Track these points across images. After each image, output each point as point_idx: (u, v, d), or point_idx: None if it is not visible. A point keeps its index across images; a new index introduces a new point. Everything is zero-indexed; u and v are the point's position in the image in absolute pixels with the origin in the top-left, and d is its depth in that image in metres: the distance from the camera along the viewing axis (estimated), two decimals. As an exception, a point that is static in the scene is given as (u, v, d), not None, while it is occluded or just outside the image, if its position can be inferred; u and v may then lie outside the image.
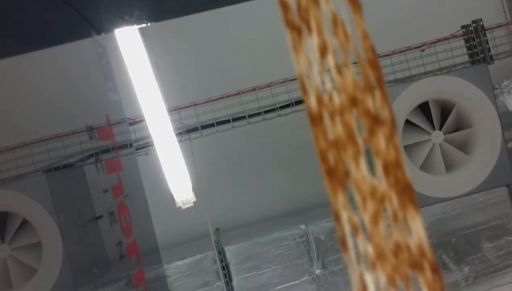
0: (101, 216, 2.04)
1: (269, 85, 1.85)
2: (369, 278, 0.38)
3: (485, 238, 2.36)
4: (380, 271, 0.38)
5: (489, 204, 2.35)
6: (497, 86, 2.12)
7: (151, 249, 2.44)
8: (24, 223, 1.93)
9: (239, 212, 2.67)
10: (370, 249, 0.39)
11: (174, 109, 1.80)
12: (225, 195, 2.65)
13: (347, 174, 0.40)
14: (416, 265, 0.38)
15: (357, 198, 0.40)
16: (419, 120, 2.06)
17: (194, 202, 1.79)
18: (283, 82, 1.85)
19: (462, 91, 2.02)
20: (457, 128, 2.12)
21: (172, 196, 1.78)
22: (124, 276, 2.15)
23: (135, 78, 1.50)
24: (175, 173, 1.75)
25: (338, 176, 0.40)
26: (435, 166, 2.11)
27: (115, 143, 1.89)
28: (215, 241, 2.26)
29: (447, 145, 2.08)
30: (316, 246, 2.33)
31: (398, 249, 0.38)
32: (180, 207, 1.80)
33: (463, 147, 2.13)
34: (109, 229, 2.08)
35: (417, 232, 0.38)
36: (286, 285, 2.33)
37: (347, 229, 0.40)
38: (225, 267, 2.30)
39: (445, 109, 2.11)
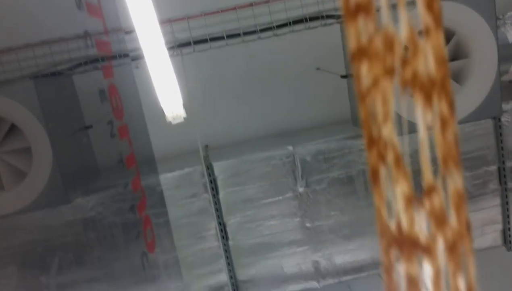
0: (91, 126, 2.04)
1: (267, 1, 1.76)
2: None
3: (465, 167, 2.45)
4: None
5: (474, 135, 2.40)
6: (501, 16, 2.06)
7: (147, 157, 2.48)
8: (14, 127, 1.93)
9: (229, 130, 2.70)
10: None
11: (166, 22, 1.72)
12: (216, 113, 2.66)
13: None
14: None
15: None
16: (416, 48, 2.02)
17: (184, 118, 1.78)
18: (282, -2, 1.76)
19: (464, 19, 1.96)
20: (453, 58, 2.09)
21: (162, 110, 1.77)
22: (120, 183, 2.21)
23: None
24: (166, 88, 1.72)
25: None
26: (426, 95, 2.12)
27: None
28: (203, 156, 2.31)
29: (441, 75, 2.07)
30: (302, 167, 2.40)
31: None
32: (170, 122, 1.80)
33: (457, 76, 2.12)
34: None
35: None
36: (270, 200, 2.44)
37: None
38: (213, 181, 2.38)
39: (444, 38, 2.06)
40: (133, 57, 1.82)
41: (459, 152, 0.37)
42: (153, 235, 2.24)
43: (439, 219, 0.38)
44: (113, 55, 1.82)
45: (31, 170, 1.89)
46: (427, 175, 0.38)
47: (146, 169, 2.30)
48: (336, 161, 2.42)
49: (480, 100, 2.10)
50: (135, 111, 2.30)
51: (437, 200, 0.38)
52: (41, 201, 1.92)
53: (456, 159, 0.37)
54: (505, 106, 2.35)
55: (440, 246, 0.38)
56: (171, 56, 1.72)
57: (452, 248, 0.38)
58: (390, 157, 0.37)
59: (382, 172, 0.38)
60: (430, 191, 0.38)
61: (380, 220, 0.39)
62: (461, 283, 0.39)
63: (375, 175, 0.38)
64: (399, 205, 0.38)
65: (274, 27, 1.84)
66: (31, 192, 1.93)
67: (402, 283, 0.39)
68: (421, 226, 0.38)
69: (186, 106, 1.79)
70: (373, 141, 0.37)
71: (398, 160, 0.38)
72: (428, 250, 0.38)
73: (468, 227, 0.38)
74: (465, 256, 0.39)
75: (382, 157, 0.37)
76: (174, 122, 1.83)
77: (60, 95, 2.03)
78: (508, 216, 2.50)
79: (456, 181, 0.38)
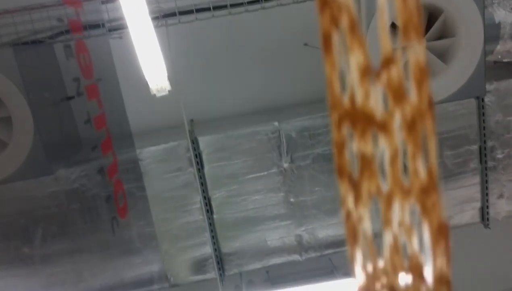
0: (73, 97, 2.01)
1: (254, -27, 1.73)
2: None
3: (446, 146, 2.49)
4: None
5: (457, 114, 2.43)
6: (489, -4, 2.06)
7: (123, 130, 2.44)
8: (-7, 97, 1.88)
9: (214, 105, 2.68)
10: None
11: (150, -10, 1.68)
12: (202, 87, 2.63)
13: None
14: None
15: None
16: (404, 25, 2.01)
17: (169, 91, 1.76)
18: (270, -30, 1.73)
19: (452, -2, 1.96)
20: (440, 36, 2.09)
21: (146, 82, 1.75)
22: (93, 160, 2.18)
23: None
24: (150, 59, 1.70)
25: None
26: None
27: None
28: (189, 130, 2.30)
29: (427, 52, 2.07)
30: (287, 142, 2.41)
31: None
32: (154, 95, 1.78)
33: (443, 55, 2.13)
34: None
35: None
36: (255, 175, 2.46)
37: None
38: (198, 156, 2.37)
39: (432, 16, 2.06)
40: (111, 27, 1.77)
41: (421, 20, 0.33)
42: (125, 200, 2.22)
43: (397, 94, 0.35)
44: (88, 24, 1.77)
45: (12, 139, 1.86)
46: (385, 44, 0.34)
47: (122, 142, 2.27)
48: (322, 137, 2.43)
49: (464, 79, 2.12)
50: (108, 76, 2.23)
51: (395, 72, 0.34)
52: (23, 171, 1.90)
53: (417, 27, 0.33)
54: (489, 86, 2.38)
55: (398, 123, 0.36)
56: (156, 27, 1.69)
57: (411, 126, 0.35)
58: (344, 22, 0.34)
59: (335, 38, 0.34)
60: (388, 62, 0.34)
61: (331, 92, 0.36)
62: (421, 165, 0.36)
63: (327, 41, 0.34)
64: (353, 76, 0.35)
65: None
66: (13, 162, 1.91)
67: (355, 162, 0.37)
68: (377, 100, 0.35)
69: (170, 79, 1.77)
70: (326, 3, 0.34)
71: (353, 25, 0.34)
72: (384, 127, 0.35)
73: (430, 104, 0.35)
74: (426, 136, 0.35)
75: (335, 21, 0.34)
76: (158, 95, 1.81)
77: (41, 64, 1.98)
78: (486, 194, 2.56)
79: (417, 52, 0.34)
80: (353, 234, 0.38)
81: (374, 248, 0.39)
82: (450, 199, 2.56)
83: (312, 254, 2.59)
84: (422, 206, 0.36)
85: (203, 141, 2.38)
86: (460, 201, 2.59)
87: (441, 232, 0.36)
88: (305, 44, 2.57)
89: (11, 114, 1.82)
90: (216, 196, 2.45)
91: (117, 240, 2.24)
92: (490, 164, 2.53)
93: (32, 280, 2.32)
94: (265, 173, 2.46)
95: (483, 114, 2.43)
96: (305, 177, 2.47)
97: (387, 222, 0.38)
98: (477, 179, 2.55)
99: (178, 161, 2.40)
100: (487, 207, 2.58)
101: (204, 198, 2.43)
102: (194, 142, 2.36)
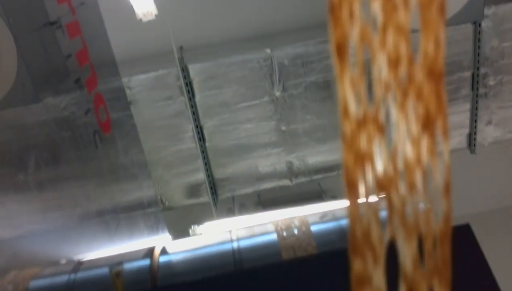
0: (56, 22, 1.92)
1: None
2: None
3: (439, 73, 2.46)
4: None
5: (453, 40, 2.38)
6: None
7: (106, 57, 2.36)
8: (-28, 23, 1.79)
9: (204, 31, 2.58)
10: None
11: None
12: (191, 11, 2.51)
13: None
14: None
15: None
16: None
17: (155, 15, 1.69)
18: None
19: None
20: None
21: (131, 6, 1.67)
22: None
23: None
24: (135, -19, 1.60)
25: None
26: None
27: None
28: (178, 58, 2.24)
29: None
30: (279, 70, 2.37)
31: None
32: (141, 19, 1.71)
33: (443, -22, 2.03)
34: None
35: None
36: (247, 104, 2.45)
37: None
38: (188, 84, 2.34)
39: None
40: None
41: None
42: (108, 115, 2.19)
43: None
44: None
45: (-4, 68, 1.80)
46: None
47: (107, 70, 2.19)
48: (314, 65, 2.39)
49: (462, 3, 2.05)
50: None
51: None
52: (10, 99, 1.87)
53: None
54: (487, 11, 2.30)
55: None
56: None
57: None
58: None
59: None
60: None
61: None
62: None
63: None
64: None
65: None
66: (-1, 91, 1.87)
67: None
68: None
69: (157, 2, 1.69)
70: None
71: None
72: None
73: None
74: None
75: None
76: (145, 20, 1.74)
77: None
78: (475, 121, 2.59)
79: None
80: None
81: None
82: (439, 126, 2.58)
83: (302, 179, 2.66)
84: None
85: (193, 69, 2.33)
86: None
87: None
88: (299, -36, 2.44)
89: (-8, 41, 1.75)
90: (208, 124, 2.46)
91: (102, 156, 2.23)
92: (482, 90, 2.53)
93: (29, 205, 2.38)
94: (257, 101, 2.44)
95: (479, 40, 2.38)
96: (297, 105, 2.46)
97: None
98: (467, 106, 2.57)
99: (169, 89, 2.37)
100: (475, 133, 2.63)
101: (196, 126, 2.43)
102: (184, 70, 2.31)
